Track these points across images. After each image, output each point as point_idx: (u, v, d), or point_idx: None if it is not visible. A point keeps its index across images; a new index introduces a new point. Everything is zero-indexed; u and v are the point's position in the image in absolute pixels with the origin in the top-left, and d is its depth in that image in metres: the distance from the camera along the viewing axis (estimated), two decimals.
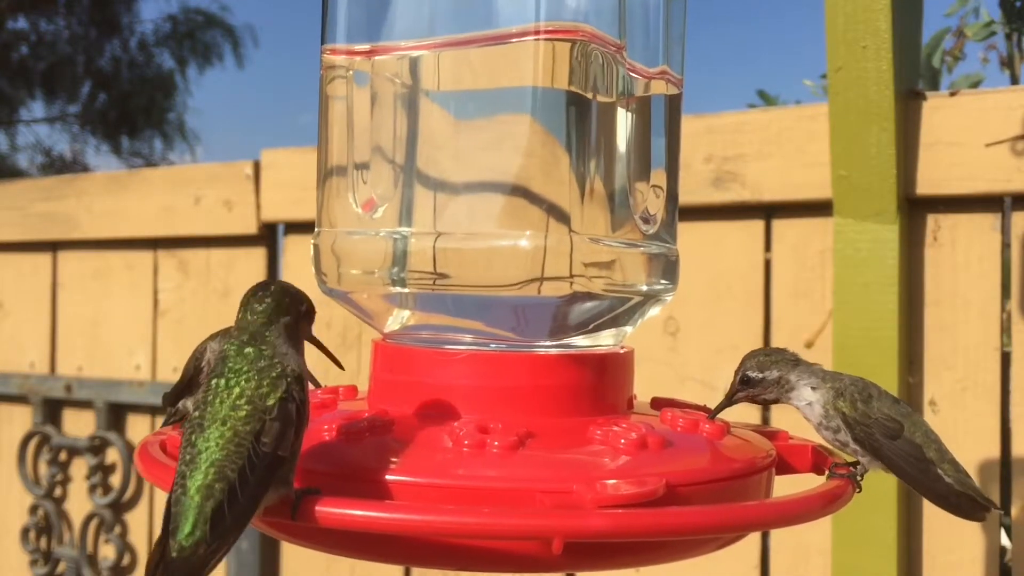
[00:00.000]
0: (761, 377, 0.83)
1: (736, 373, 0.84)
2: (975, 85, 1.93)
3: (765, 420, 1.52)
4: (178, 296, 2.16)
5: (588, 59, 0.77)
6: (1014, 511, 1.37)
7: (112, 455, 2.22)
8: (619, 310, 0.82)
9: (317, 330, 0.75)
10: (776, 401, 0.85)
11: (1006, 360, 1.39)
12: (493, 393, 0.77)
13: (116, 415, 2.21)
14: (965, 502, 0.82)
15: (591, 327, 0.82)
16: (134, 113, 12.88)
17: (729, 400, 0.84)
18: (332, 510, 0.62)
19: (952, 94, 1.41)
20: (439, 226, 0.78)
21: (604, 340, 0.85)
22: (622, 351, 0.84)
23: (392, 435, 0.73)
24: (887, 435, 0.80)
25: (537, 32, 0.76)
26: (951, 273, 1.41)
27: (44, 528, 2.32)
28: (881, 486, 1.34)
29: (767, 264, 1.56)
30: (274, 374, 0.65)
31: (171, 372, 2.13)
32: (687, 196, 1.54)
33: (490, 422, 0.73)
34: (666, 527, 0.64)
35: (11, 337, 2.41)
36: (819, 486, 0.75)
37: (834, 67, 1.40)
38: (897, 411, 0.81)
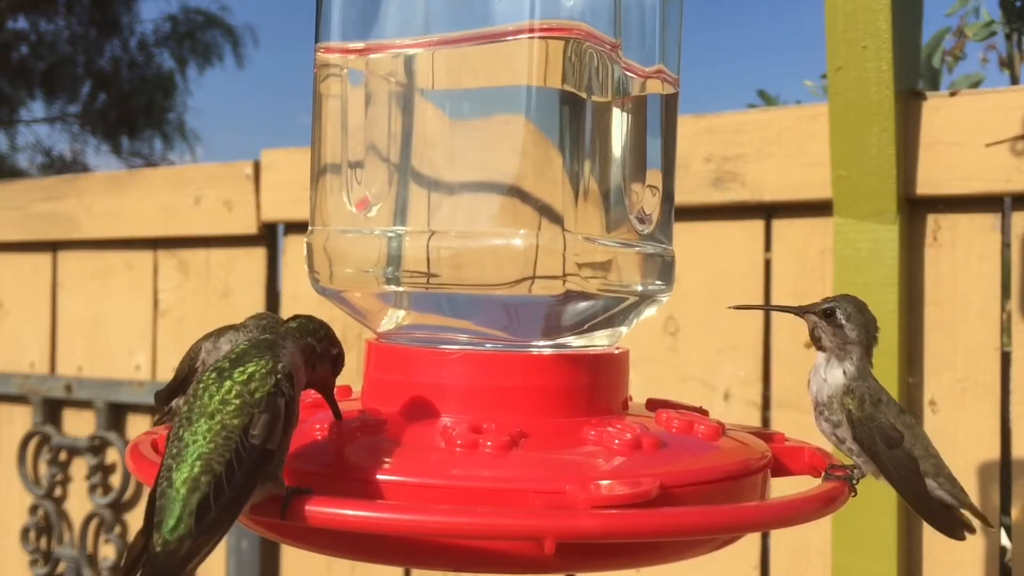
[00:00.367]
0: (841, 324, 0.82)
1: (824, 300, 0.83)
2: (975, 85, 1.92)
3: (765, 422, 1.52)
4: (178, 296, 2.16)
5: (583, 58, 0.77)
6: (1014, 511, 1.37)
7: (112, 455, 2.22)
8: (614, 310, 0.82)
9: None
10: (821, 348, 0.83)
11: (1006, 360, 1.39)
12: (487, 393, 0.76)
13: (116, 415, 2.21)
14: (949, 519, 0.82)
15: (586, 327, 0.81)
16: (134, 113, 12.88)
17: (800, 311, 0.84)
18: (322, 509, 0.62)
19: (952, 94, 1.41)
20: (433, 225, 0.78)
21: (599, 340, 0.84)
22: (617, 351, 0.84)
23: (385, 435, 0.73)
24: (887, 442, 0.80)
25: (532, 30, 0.76)
26: (951, 273, 1.41)
27: (44, 528, 2.32)
28: (881, 486, 1.33)
29: (767, 264, 1.55)
30: (265, 370, 0.65)
31: (171, 372, 2.09)
32: (687, 196, 1.53)
33: (483, 422, 0.72)
34: (659, 528, 0.64)
35: (11, 337, 2.41)
36: (814, 488, 0.75)
37: (834, 67, 1.40)
38: (902, 422, 0.81)
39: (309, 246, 0.85)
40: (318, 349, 0.70)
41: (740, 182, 1.53)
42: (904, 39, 1.40)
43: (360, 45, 0.83)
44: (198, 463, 0.61)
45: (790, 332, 1.50)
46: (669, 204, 0.89)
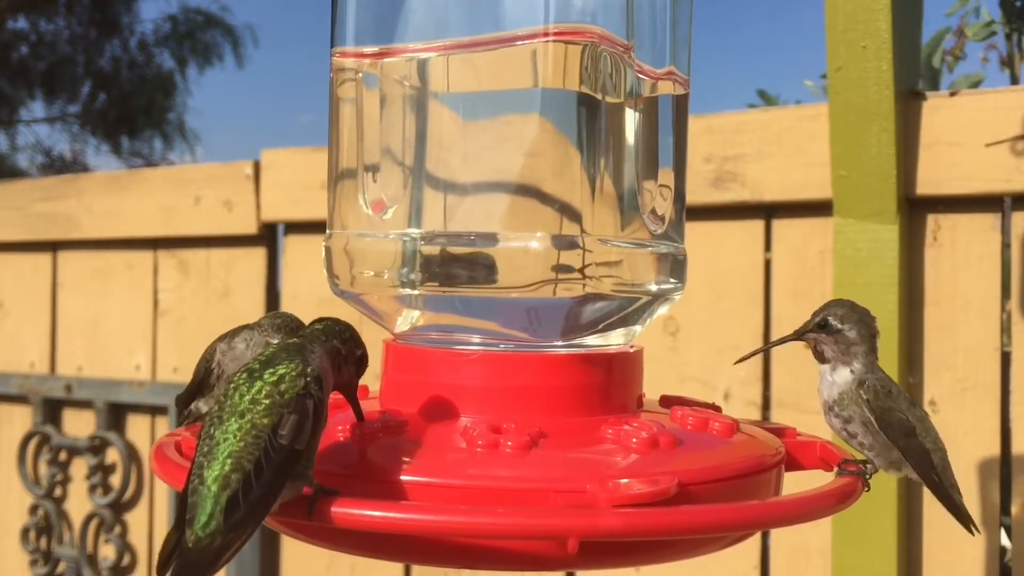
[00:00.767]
0: (839, 328, 0.83)
1: (815, 315, 0.83)
2: (975, 85, 1.93)
3: (765, 420, 1.52)
4: (178, 296, 2.17)
5: (597, 60, 0.77)
6: (1014, 511, 1.38)
7: (112, 455, 2.22)
8: (629, 309, 0.82)
9: None
10: (824, 360, 0.84)
11: (1006, 360, 1.40)
12: (505, 393, 0.77)
13: (116, 415, 2.21)
14: (965, 512, 0.83)
15: (602, 327, 0.82)
16: (134, 113, 12.85)
17: (796, 336, 0.84)
18: (349, 511, 0.62)
19: (952, 94, 1.42)
20: (449, 227, 0.78)
21: (614, 339, 0.85)
22: (632, 350, 0.85)
23: (406, 435, 0.74)
24: (905, 431, 0.81)
25: (546, 34, 0.76)
26: (951, 273, 1.42)
27: (44, 528, 2.32)
28: (881, 486, 1.34)
29: (767, 264, 1.56)
30: (295, 372, 0.66)
31: (171, 372, 2.13)
32: (687, 196, 1.54)
33: (503, 422, 0.73)
34: (680, 526, 0.65)
35: (11, 337, 2.41)
36: (829, 483, 0.75)
37: (834, 67, 1.41)
38: (912, 414, 0.82)
39: (328, 250, 0.85)
40: (343, 351, 0.71)
41: (740, 182, 1.54)
42: (904, 39, 1.41)
43: (375, 49, 0.84)
44: (229, 461, 0.62)
45: (790, 331, 1.51)
46: (681, 203, 0.90)
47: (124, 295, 2.24)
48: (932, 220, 1.43)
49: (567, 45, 0.76)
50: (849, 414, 0.81)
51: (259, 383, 0.65)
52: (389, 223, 0.81)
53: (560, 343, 0.81)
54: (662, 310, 0.87)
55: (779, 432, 0.87)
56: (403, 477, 0.68)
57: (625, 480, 0.67)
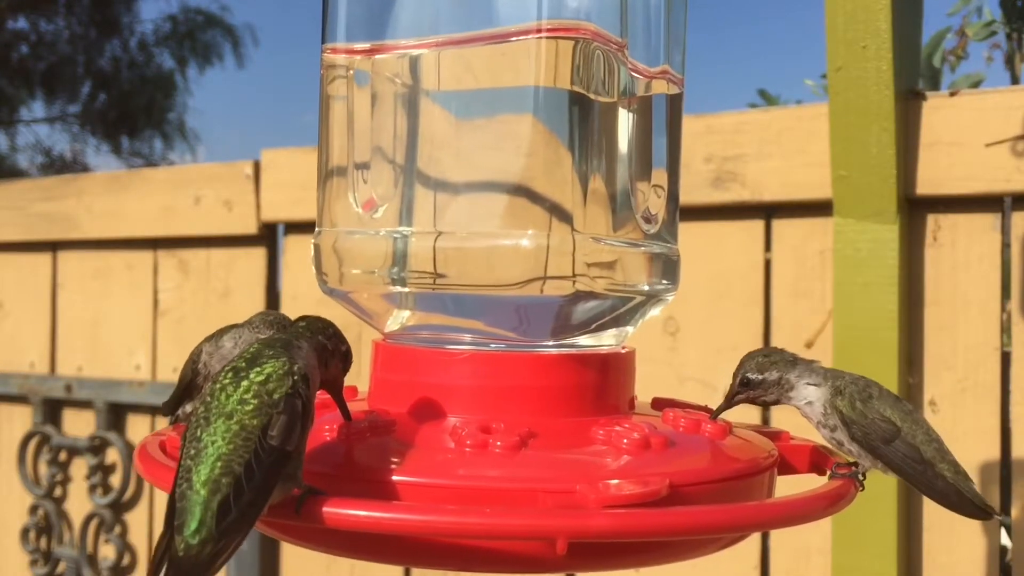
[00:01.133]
0: (761, 378, 0.83)
1: (735, 375, 0.83)
2: (975, 85, 1.93)
3: (765, 420, 1.52)
4: (178, 296, 2.16)
5: (590, 58, 0.77)
6: (1014, 511, 1.37)
7: (112, 455, 2.22)
8: (621, 310, 0.82)
9: None
10: (776, 402, 0.84)
11: (1006, 360, 1.39)
12: (495, 393, 0.76)
13: (116, 415, 2.21)
14: (965, 501, 0.82)
15: (593, 327, 0.82)
16: (134, 113, 12.89)
17: (729, 402, 0.84)
18: (337, 510, 0.61)
19: (952, 94, 1.41)
20: (440, 226, 0.78)
21: (606, 340, 0.84)
22: (624, 351, 0.84)
23: (394, 435, 0.73)
24: (882, 439, 0.80)
25: (539, 31, 0.75)
26: (951, 273, 1.41)
27: (44, 528, 2.32)
28: (881, 486, 1.34)
29: (767, 264, 1.56)
30: (282, 370, 0.64)
31: (171, 372, 2.13)
32: (687, 196, 1.53)
33: (492, 422, 0.72)
34: (670, 527, 0.64)
35: (11, 337, 2.41)
36: (822, 486, 0.75)
37: (834, 67, 1.40)
38: (900, 409, 0.81)
39: (317, 247, 0.85)
40: (329, 347, 0.70)
41: (740, 182, 1.53)
42: (904, 39, 1.41)
43: (366, 46, 0.83)
44: (218, 464, 0.60)
45: (790, 332, 1.51)
46: (674, 204, 0.89)
47: (124, 295, 2.24)
48: (932, 220, 1.43)
49: (559, 42, 0.76)
50: (834, 422, 0.81)
51: (246, 382, 0.63)
52: (379, 221, 0.81)
53: (551, 343, 0.81)
54: (655, 311, 0.87)
55: (773, 435, 0.87)
56: (392, 477, 0.67)
57: (616, 481, 0.67)
